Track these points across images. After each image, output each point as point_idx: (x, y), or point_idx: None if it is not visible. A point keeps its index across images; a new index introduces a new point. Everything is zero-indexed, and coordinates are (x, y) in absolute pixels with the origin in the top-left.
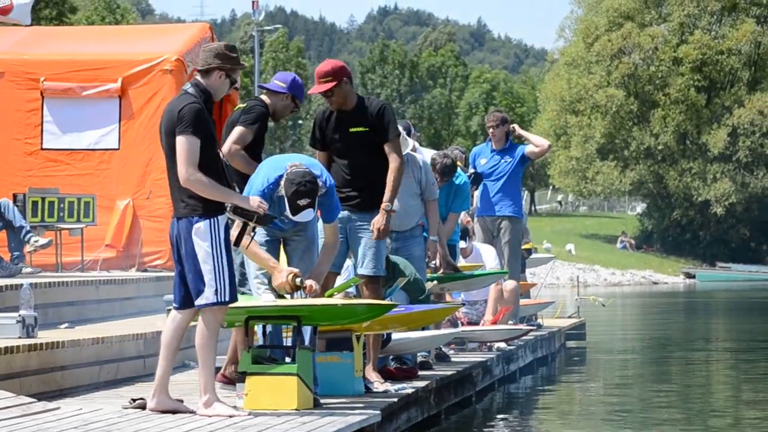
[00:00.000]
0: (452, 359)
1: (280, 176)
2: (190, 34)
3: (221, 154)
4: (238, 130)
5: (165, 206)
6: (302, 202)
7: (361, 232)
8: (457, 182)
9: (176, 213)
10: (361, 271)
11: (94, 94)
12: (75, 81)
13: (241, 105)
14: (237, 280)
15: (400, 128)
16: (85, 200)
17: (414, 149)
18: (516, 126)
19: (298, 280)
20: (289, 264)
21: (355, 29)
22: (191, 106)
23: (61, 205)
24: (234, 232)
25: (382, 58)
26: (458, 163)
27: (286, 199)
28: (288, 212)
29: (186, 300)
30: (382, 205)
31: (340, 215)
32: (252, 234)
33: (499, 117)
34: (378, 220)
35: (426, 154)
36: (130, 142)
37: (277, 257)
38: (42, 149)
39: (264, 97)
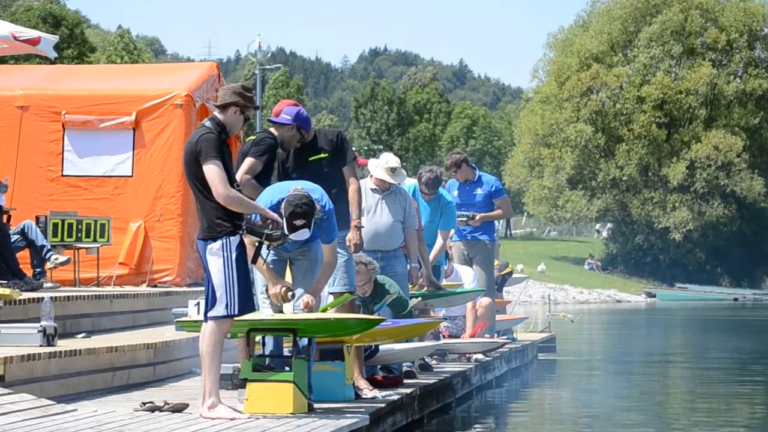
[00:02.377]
0: (434, 369)
1: (282, 199)
2: (198, 72)
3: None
4: (248, 161)
5: (173, 228)
6: (298, 222)
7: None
8: (446, 200)
9: (198, 234)
10: (333, 289)
11: (110, 126)
12: (93, 114)
13: (252, 137)
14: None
15: (397, 160)
16: (101, 222)
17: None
18: (476, 216)
19: (289, 293)
20: (293, 281)
21: (349, 68)
22: (207, 135)
23: (79, 227)
24: (250, 251)
25: (373, 95)
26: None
27: (284, 219)
28: (285, 230)
29: None
30: (353, 222)
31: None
32: (268, 251)
33: (452, 162)
34: (352, 236)
35: (408, 182)
36: (142, 169)
37: (283, 275)
38: (62, 176)
39: (272, 130)
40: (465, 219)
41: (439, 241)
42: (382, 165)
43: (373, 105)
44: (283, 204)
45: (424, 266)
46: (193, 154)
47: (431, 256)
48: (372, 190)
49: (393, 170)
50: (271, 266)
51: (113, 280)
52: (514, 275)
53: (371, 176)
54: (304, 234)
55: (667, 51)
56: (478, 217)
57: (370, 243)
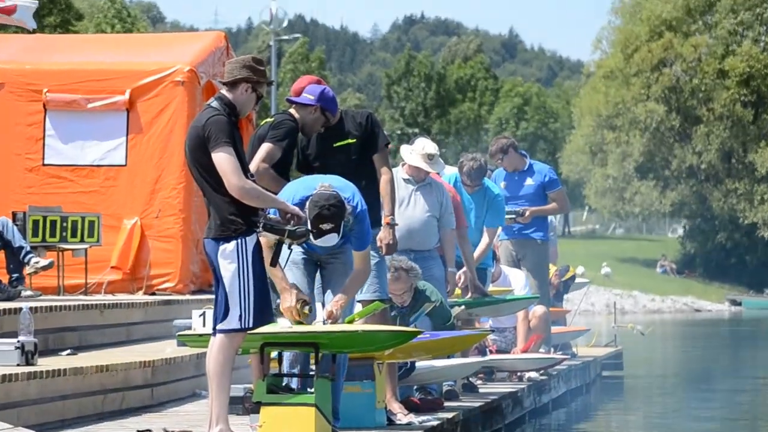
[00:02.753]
0: (480, 389)
1: (307, 197)
2: (203, 44)
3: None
4: (266, 147)
5: (174, 226)
6: (325, 226)
7: None
8: (492, 192)
9: (206, 232)
10: (362, 296)
11: (100, 107)
12: (80, 92)
13: (269, 120)
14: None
15: (435, 146)
16: (90, 219)
17: (439, 173)
18: (526, 211)
19: (306, 308)
20: (325, 288)
21: (379, 39)
22: (216, 118)
23: (64, 224)
24: (267, 252)
25: (408, 70)
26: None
27: (308, 222)
28: (310, 236)
29: None
30: (385, 219)
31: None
32: (289, 252)
33: (498, 148)
34: (384, 235)
35: (448, 171)
36: (138, 157)
37: (312, 279)
38: (44, 165)
39: (292, 111)
40: (513, 216)
41: (485, 240)
42: (417, 151)
43: (408, 82)
44: (307, 204)
45: (468, 269)
46: (200, 139)
47: (475, 257)
48: (404, 180)
49: (430, 157)
50: (291, 269)
51: (104, 288)
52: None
53: (403, 164)
54: (332, 239)
55: (756, 16)
56: (528, 213)
57: (402, 241)
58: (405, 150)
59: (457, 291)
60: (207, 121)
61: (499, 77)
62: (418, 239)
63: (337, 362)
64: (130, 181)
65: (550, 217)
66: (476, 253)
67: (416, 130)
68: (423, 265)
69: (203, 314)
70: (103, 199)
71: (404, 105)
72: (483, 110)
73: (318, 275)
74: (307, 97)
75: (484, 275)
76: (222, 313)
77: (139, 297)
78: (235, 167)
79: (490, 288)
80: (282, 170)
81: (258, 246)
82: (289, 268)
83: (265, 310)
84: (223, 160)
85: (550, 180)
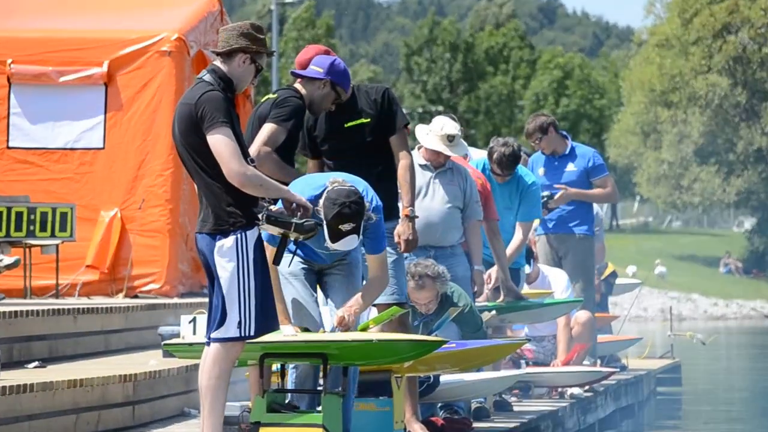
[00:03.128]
0: (514, 408)
1: (317, 196)
2: (193, 9)
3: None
4: (268, 127)
5: (160, 218)
6: (345, 226)
7: None
8: (525, 182)
9: (198, 226)
10: (378, 299)
11: (73, 81)
12: (50, 64)
13: (271, 96)
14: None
15: (456, 125)
16: (62, 211)
17: (466, 156)
18: (563, 192)
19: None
20: (328, 299)
21: (398, 3)
22: (210, 94)
23: (32, 217)
24: (269, 248)
25: (431, 38)
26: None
27: (324, 224)
28: (327, 240)
29: None
30: (404, 211)
31: None
32: (295, 248)
33: (536, 126)
34: (403, 230)
35: (477, 155)
36: (118, 139)
37: (314, 291)
38: (8, 148)
39: (298, 86)
40: (545, 199)
41: (518, 236)
42: (435, 132)
43: (431, 52)
44: (322, 202)
45: (500, 268)
46: (193, 119)
47: (507, 255)
48: (421, 166)
49: (450, 138)
50: (291, 282)
51: (78, 290)
52: (622, 280)
53: (419, 148)
54: (352, 242)
55: None
56: (559, 195)
57: (419, 237)
58: (421, 131)
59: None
60: (200, 98)
61: (535, 46)
62: (438, 234)
63: (347, 375)
64: (109, 166)
65: (596, 208)
66: (508, 251)
67: (440, 108)
68: (444, 263)
69: (194, 320)
70: (78, 187)
71: (426, 79)
72: (517, 85)
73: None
74: (315, 69)
75: (516, 276)
76: (218, 320)
77: (119, 300)
78: (234, 151)
79: (526, 290)
80: (286, 154)
81: (260, 242)
82: (288, 282)
83: (268, 317)
84: (220, 142)
85: (595, 165)
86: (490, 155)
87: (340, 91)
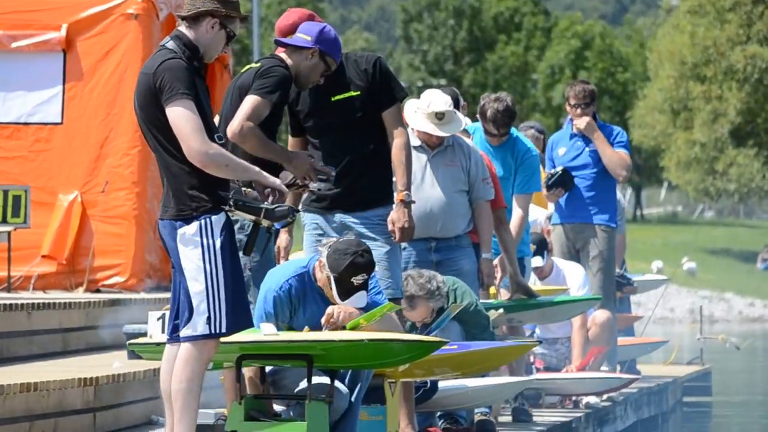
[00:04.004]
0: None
1: (301, 273)
2: None
3: (227, 133)
4: (251, 100)
5: (125, 203)
6: (358, 279)
7: (365, 239)
8: (523, 146)
9: (161, 211)
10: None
11: (27, 47)
12: (1, 28)
13: (254, 65)
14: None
15: (447, 99)
16: (14, 193)
17: (467, 132)
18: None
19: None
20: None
21: None
22: (170, 62)
23: None
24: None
25: (433, 2)
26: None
27: (332, 279)
28: (336, 297)
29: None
30: (398, 196)
31: (335, 218)
32: (269, 236)
33: (589, 91)
34: (398, 217)
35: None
36: (78, 113)
37: None
38: None
39: (283, 56)
40: (552, 178)
41: (517, 213)
42: (423, 109)
43: (432, 18)
44: (326, 258)
45: (508, 261)
46: (151, 91)
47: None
48: (416, 148)
49: (440, 116)
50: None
51: (33, 282)
52: (647, 277)
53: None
54: (361, 299)
55: None
56: (583, 121)
57: (418, 228)
58: (409, 108)
59: (492, 290)
60: (159, 67)
61: (551, 12)
62: (439, 225)
63: (356, 377)
64: (68, 143)
65: (618, 196)
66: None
67: (442, 82)
68: (448, 256)
69: (162, 317)
70: (32, 167)
71: (427, 48)
72: (530, 56)
73: None
74: (302, 37)
75: (521, 267)
76: (185, 316)
77: (79, 295)
78: (195, 126)
79: (538, 286)
80: (267, 131)
81: (228, 228)
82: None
83: (241, 311)
84: (179, 116)
85: (617, 141)
86: (482, 114)
87: (329, 61)
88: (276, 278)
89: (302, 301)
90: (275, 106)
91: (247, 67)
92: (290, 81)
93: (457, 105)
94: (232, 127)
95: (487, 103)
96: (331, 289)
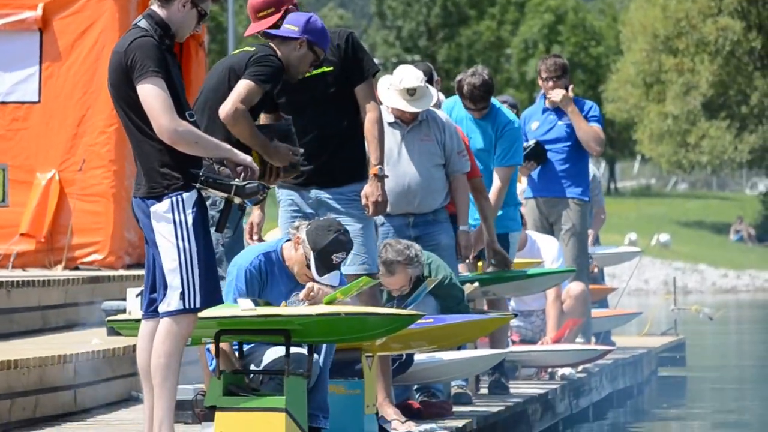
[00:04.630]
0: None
1: (272, 248)
2: None
3: (219, 114)
4: (246, 84)
5: (103, 181)
6: (338, 256)
7: (340, 216)
8: (504, 117)
9: (134, 189)
10: (347, 269)
11: (3, 26)
12: None
13: (248, 48)
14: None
15: (419, 75)
16: None
17: (438, 104)
18: (567, 91)
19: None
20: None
21: None
22: (141, 40)
23: None
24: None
25: None
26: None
27: (313, 256)
28: (314, 272)
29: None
30: (372, 170)
31: (310, 195)
32: (240, 214)
33: (560, 65)
34: (371, 191)
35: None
36: (55, 92)
37: None
38: None
39: (273, 46)
40: (528, 150)
41: (496, 184)
42: (395, 86)
43: None
44: (306, 235)
45: (486, 228)
46: (123, 69)
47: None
48: (390, 124)
49: (411, 92)
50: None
51: (12, 261)
52: (621, 249)
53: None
54: (335, 278)
55: None
56: (559, 92)
57: (395, 204)
58: (382, 85)
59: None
60: (130, 46)
61: None
62: (416, 201)
63: (314, 354)
64: (45, 122)
65: (593, 170)
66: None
67: (416, 58)
68: (425, 231)
69: (141, 294)
70: (10, 146)
71: (401, 24)
72: (504, 31)
73: None
74: (290, 28)
75: (505, 242)
76: (160, 292)
77: (58, 273)
78: (164, 104)
79: (515, 259)
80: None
81: (200, 204)
82: None
83: (213, 287)
84: (149, 94)
85: (590, 115)
86: (459, 90)
87: (318, 51)
88: (246, 255)
89: (269, 279)
90: (264, 95)
91: (242, 50)
92: (282, 73)
93: (431, 80)
94: (225, 109)
95: (464, 78)
96: (309, 265)
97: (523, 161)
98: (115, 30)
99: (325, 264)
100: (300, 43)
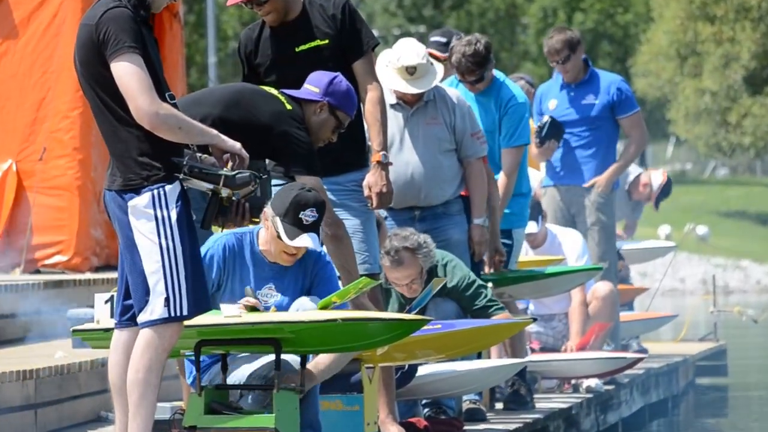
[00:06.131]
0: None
1: (248, 231)
2: None
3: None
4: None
5: (67, 172)
6: (307, 215)
7: (337, 209)
8: (508, 91)
9: (107, 182)
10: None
11: None
12: None
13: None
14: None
15: (419, 50)
16: None
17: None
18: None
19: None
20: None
21: None
22: (114, 11)
23: None
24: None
25: None
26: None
27: (279, 221)
28: (283, 237)
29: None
30: (374, 157)
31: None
32: (228, 208)
33: (564, 41)
34: (374, 181)
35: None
36: (11, 71)
37: None
38: None
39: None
40: (540, 128)
41: (505, 170)
42: (393, 63)
43: None
44: (270, 204)
45: (491, 225)
46: (93, 43)
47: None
48: (392, 106)
49: (411, 71)
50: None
51: None
52: (653, 243)
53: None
54: (312, 240)
55: None
56: (591, 183)
57: (398, 197)
58: (381, 62)
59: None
60: (102, 17)
61: None
62: (423, 193)
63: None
64: (1, 106)
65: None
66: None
67: (421, 29)
68: (434, 225)
69: (111, 300)
70: None
71: None
72: None
73: None
74: (310, 89)
75: (507, 240)
76: (140, 298)
77: (17, 277)
78: (143, 83)
79: (531, 257)
80: None
81: (183, 198)
82: None
83: (201, 291)
84: (125, 72)
85: (622, 98)
86: (458, 67)
87: (341, 116)
88: (213, 238)
89: (236, 263)
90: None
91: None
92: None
93: (486, 59)
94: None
95: (456, 45)
96: (279, 236)
97: (544, 141)
98: (77, 3)
99: (294, 224)
100: (320, 107)
